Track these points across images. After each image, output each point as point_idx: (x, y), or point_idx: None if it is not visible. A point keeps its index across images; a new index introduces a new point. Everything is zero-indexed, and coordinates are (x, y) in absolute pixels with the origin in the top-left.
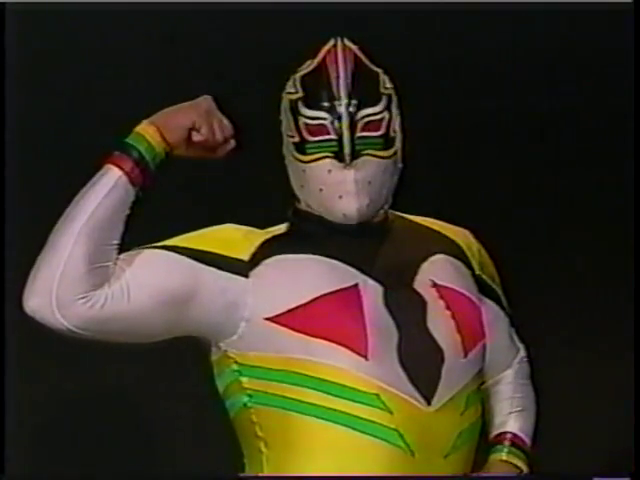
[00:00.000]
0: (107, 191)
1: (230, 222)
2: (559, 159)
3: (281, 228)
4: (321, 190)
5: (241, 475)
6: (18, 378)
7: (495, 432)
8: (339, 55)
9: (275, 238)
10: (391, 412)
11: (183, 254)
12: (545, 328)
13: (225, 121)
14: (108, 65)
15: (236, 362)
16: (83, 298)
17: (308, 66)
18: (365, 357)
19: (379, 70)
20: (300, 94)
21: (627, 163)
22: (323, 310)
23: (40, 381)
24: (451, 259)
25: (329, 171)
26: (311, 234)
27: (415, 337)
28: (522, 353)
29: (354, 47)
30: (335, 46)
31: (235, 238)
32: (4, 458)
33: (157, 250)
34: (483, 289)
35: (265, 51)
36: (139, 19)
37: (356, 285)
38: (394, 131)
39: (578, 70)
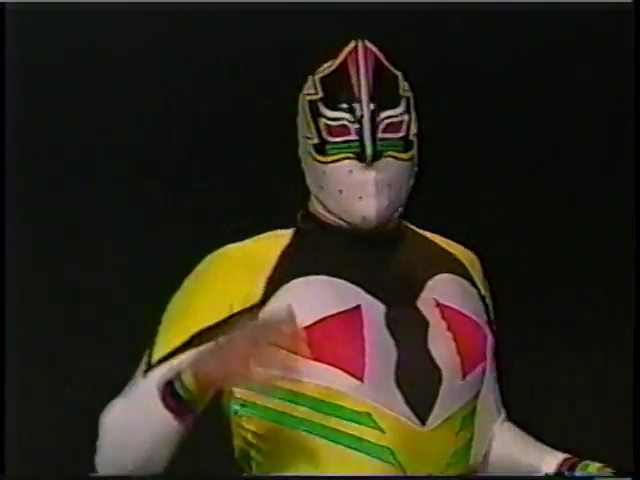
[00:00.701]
0: (158, 432)
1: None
2: (559, 159)
3: (285, 236)
4: (341, 191)
5: (243, 475)
6: (18, 378)
7: (548, 465)
8: (360, 56)
9: (281, 262)
10: (383, 431)
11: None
12: (545, 329)
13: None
14: (108, 65)
15: None
16: None
17: (328, 67)
18: (361, 379)
19: (398, 73)
20: (320, 95)
21: (627, 163)
22: (324, 333)
23: (40, 381)
24: (457, 278)
25: (350, 172)
26: (318, 246)
27: (414, 357)
28: (503, 414)
29: (374, 49)
30: (356, 47)
31: (241, 280)
32: (4, 458)
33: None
34: (487, 311)
35: (274, 52)
36: (139, 19)
37: (358, 307)
38: (413, 135)
39: (578, 70)
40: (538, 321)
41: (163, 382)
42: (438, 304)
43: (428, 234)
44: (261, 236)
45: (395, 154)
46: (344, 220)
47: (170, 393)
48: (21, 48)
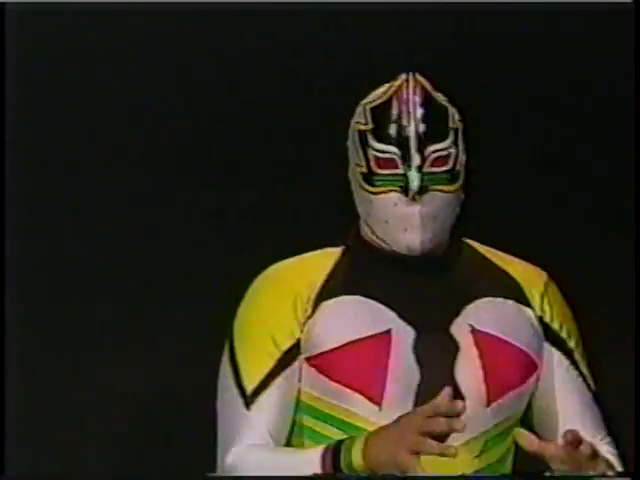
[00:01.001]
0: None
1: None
2: (558, 159)
3: (334, 254)
4: (387, 222)
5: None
6: (18, 378)
7: None
8: (410, 89)
9: (326, 283)
10: None
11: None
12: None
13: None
14: (108, 65)
15: None
16: None
17: (378, 97)
18: (379, 405)
19: (448, 104)
20: (370, 126)
21: (627, 163)
22: (350, 356)
23: (40, 381)
24: (505, 301)
25: (395, 204)
26: (362, 267)
27: (437, 384)
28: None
29: (424, 81)
30: (407, 81)
31: (285, 313)
32: (4, 458)
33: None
34: (547, 334)
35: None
36: (140, 19)
37: (389, 331)
38: (460, 164)
39: (578, 70)
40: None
41: (326, 451)
42: (473, 330)
43: (490, 251)
44: (314, 253)
45: (441, 187)
46: (390, 246)
47: (332, 463)
48: (21, 48)
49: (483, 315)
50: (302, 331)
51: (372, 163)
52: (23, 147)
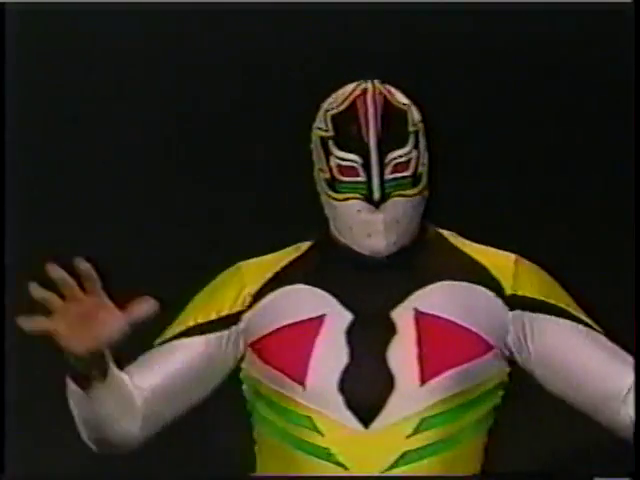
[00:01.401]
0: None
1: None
2: (558, 159)
3: (302, 248)
4: (351, 228)
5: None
6: (18, 378)
7: None
8: (368, 98)
9: (278, 275)
10: (322, 434)
11: (187, 335)
12: None
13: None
14: (108, 65)
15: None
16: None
17: (338, 105)
18: (303, 386)
19: (407, 107)
20: (331, 133)
21: (627, 163)
22: (282, 339)
23: (40, 381)
24: (466, 284)
25: (358, 211)
26: (323, 260)
27: (366, 365)
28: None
29: (383, 89)
30: (365, 90)
31: (232, 290)
32: (4, 458)
33: (165, 345)
34: (522, 306)
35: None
36: (139, 19)
37: (322, 315)
38: (422, 165)
39: (578, 70)
40: None
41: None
42: (417, 313)
43: (461, 242)
44: (287, 249)
45: (403, 192)
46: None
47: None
48: (21, 48)
49: (433, 299)
50: (241, 319)
51: (335, 170)
52: (23, 147)
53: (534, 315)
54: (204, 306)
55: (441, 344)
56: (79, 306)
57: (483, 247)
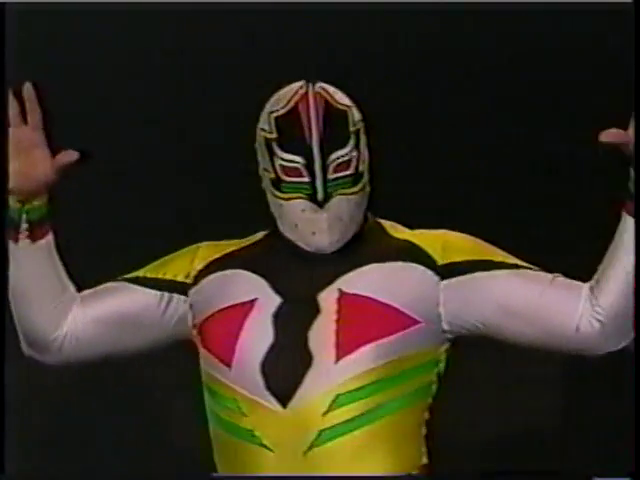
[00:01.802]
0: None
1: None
2: (558, 159)
3: (256, 237)
4: (296, 226)
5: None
6: (18, 378)
7: None
8: (310, 101)
9: (228, 256)
10: (245, 414)
11: (136, 282)
12: None
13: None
14: (108, 65)
15: None
16: (53, 340)
17: (282, 107)
18: (229, 366)
19: (347, 107)
20: (275, 135)
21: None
22: (215, 323)
23: (40, 381)
24: (396, 264)
25: (303, 210)
26: (267, 248)
27: (287, 346)
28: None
29: (324, 91)
30: (307, 92)
31: (184, 261)
32: (4, 458)
33: (116, 282)
34: (453, 272)
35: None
36: (139, 19)
37: (254, 299)
38: (363, 163)
39: (578, 70)
40: None
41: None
42: (341, 293)
43: (396, 229)
44: (250, 237)
45: (345, 191)
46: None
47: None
48: (21, 48)
49: (360, 280)
50: (187, 294)
51: (279, 171)
52: None
53: (470, 276)
54: (157, 267)
55: (358, 321)
56: (18, 134)
57: (417, 231)
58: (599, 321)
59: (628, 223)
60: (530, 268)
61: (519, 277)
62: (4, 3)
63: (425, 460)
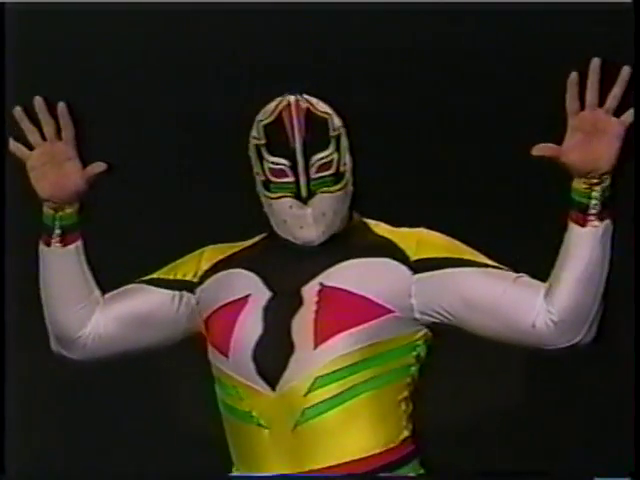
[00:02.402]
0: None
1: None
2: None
3: (256, 239)
4: (285, 221)
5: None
6: (18, 378)
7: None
8: (293, 110)
9: (226, 260)
10: (242, 399)
11: (151, 284)
12: None
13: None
14: (108, 65)
15: None
16: (78, 338)
17: (268, 116)
18: (226, 356)
19: (328, 115)
20: (263, 141)
21: (627, 163)
22: (217, 318)
23: (40, 380)
24: (373, 260)
25: (290, 207)
26: (263, 248)
27: (274, 335)
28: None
29: (306, 101)
30: (289, 104)
31: (192, 264)
32: (4, 458)
33: (134, 284)
34: (425, 267)
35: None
36: (139, 19)
37: (247, 296)
38: (343, 165)
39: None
40: None
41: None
42: (322, 286)
43: (379, 227)
44: (251, 239)
45: (327, 189)
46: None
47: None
48: (21, 48)
49: (339, 274)
50: (194, 292)
51: (268, 173)
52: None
53: (440, 271)
54: (169, 269)
55: (335, 311)
56: (52, 148)
57: (398, 229)
58: (552, 320)
59: (574, 231)
60: (498, 267)
61: (485, 275)
62: (4, 3)
63: (406, 434)
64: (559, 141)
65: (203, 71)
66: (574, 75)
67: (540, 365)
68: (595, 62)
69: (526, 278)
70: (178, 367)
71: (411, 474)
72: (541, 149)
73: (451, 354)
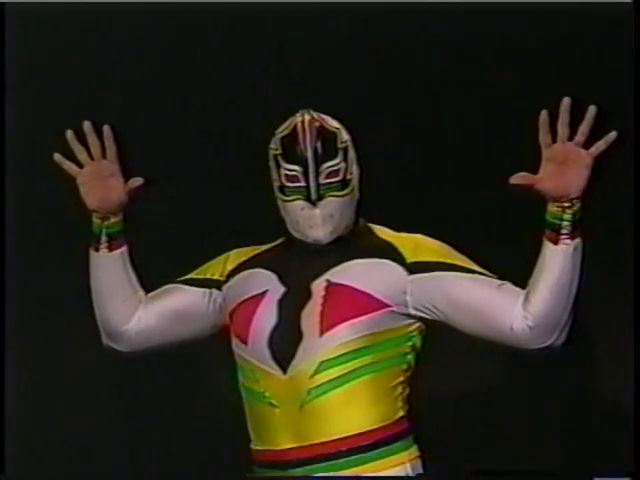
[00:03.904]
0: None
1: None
2: None
3: (277, 242)
4: (297, 222)
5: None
6: (18, 378)
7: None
8: (306, 124)
9: (254, 258)
10: (258, 381)
11: (186, 283)
12: None
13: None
14: (108, 65)
15: None
16: (124, 331)
17: (285, 130)
18: (245, 343)
19: (337, 129)
20: (280, 151)
21: (627, 163)
22: (239, 312)
23: (40, 381)
24: (373, 260)
25: (302, 209)
26: (282, 249)
27: (286, 325)
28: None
29: (318, 117)
30: (303, 119)
31: (220, 265)
32: (4, 458)
33: (171, 284)
34: (419, 269)
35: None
36: (139, 19)
37: (265, 291)
38: (350, 173)
39: (578, 70)
40: None
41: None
42: (328, 283)
43: (383, 232)
44: (272, 243)
45: (334, 193)
46: (300, 240)
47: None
48: (21, 48)
49: (344, 272)
50: (221, 289)
51: (283, 179)
52: (23, 147)
53: (434, 274)
54: (201, 270)
55: (338, 304)
56: (98, 166)
57: (398, 233)
58: (528, 325)
59: (548, 248)
60: (485, 274)
61: (472, 280)
62: (4, 3)
63: (402, 413)
64: (535, 169)
65: (203, 71)
66: (544, 114)
67: (540, 365)
68: (565, 101)
69: (509, 285)
70: (182, 366)
71: (404, 448)
72: (518, 178)
73: (451, 354)
